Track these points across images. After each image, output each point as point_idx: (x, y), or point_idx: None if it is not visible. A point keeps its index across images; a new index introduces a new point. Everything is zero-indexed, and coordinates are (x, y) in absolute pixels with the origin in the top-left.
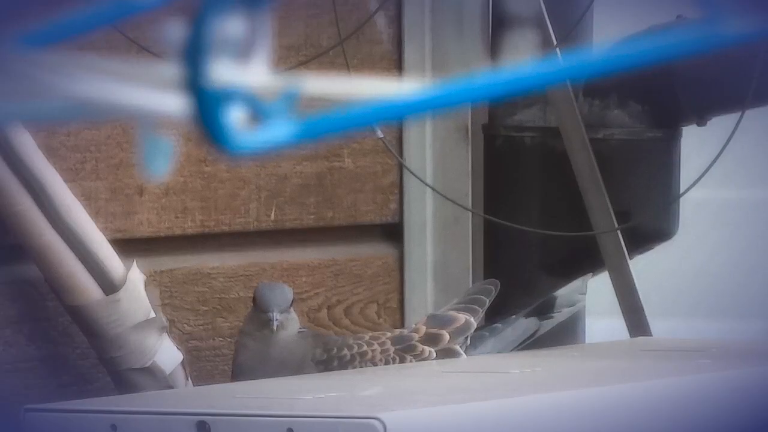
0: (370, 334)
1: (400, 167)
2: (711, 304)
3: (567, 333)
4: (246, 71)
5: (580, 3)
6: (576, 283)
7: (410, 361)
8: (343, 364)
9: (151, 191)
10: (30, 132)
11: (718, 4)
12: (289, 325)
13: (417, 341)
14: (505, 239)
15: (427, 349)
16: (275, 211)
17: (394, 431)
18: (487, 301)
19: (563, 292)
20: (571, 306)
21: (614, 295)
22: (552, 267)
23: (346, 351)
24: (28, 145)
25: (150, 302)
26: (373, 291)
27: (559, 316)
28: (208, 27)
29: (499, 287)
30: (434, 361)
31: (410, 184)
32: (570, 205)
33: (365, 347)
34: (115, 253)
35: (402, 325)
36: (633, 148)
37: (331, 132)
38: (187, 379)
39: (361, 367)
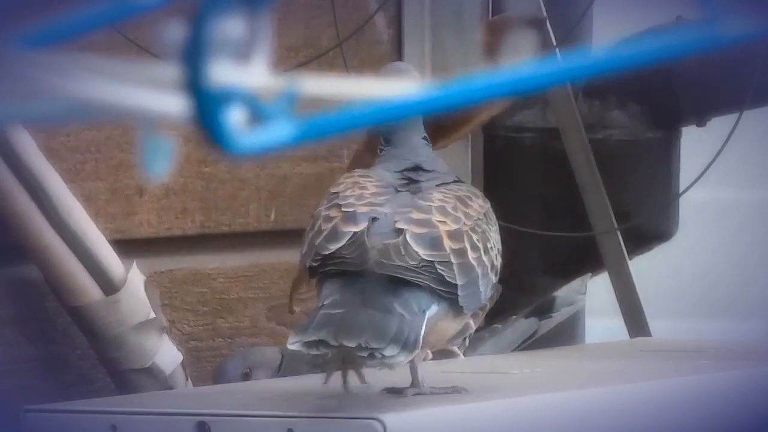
0: None
1: None
2: (711, 304)
3: (567, 333)
4: (246, 72)
5: (580, 3)
6: (575, 284)
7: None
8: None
9: (151, 192)
10: (30, 132)
11: (718, 4)
12: None
13: None
14: (505, 239)
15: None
16: (275, 211)
17: (394, 431)
18: (488, 304)
19: (562, 293)
20: (570, 306)
21: (614, 295)
22: (552, 267)
23: None
24: (28, 146)
25: (150, 303)
26: None
27: (559, 316)
28: (208, 28)
29: (500, 291)
30: (433, 361)
31: None
32: (570, 205)
33: None
34: (114, 254)
35: None
36: (633, 149)
37: (331, 132)
38: (187, 380)
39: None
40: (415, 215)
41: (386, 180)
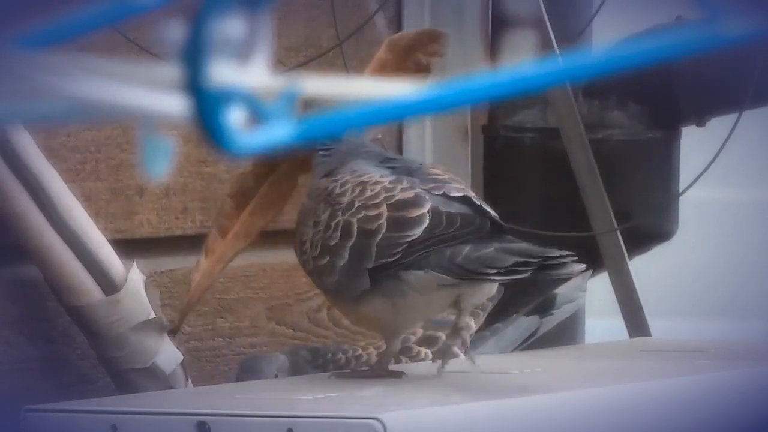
0: (366, 341)
1: None
2: (711, 304)
3: (567, 333)
4: (246, 72)
5: (580, 4)
6: (576, 281)
7: (405, 363)
8: (339, 368)
9: (151, 192)
10: (30, 132)
11: (718, 4)
12: None
13: (413, 343)
14: None
15: (423, 350)
16: None
17: (394, 431)
18: (490, 305)
19: (563, 290)
20: (571, 303)
21: (614, 295)
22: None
23: (341, 355)
24: (29, 146)
25: (150, 303)
26: None
27: (560, 313)
28: (208, 27)
29: (503, 292)
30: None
31: None
32: (570, 205)
33: (360, 351)
34: (115, 254)
35: None
36: (633, 149)
37: (331, 132)
38: (187, 380)
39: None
40: (452, 184)
41: (380, 171)
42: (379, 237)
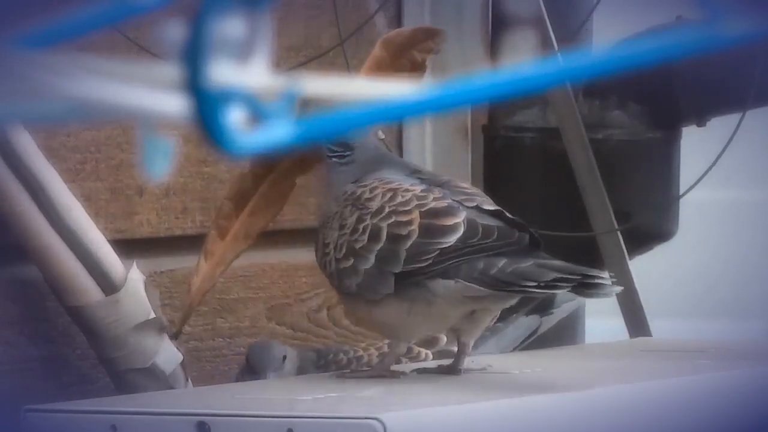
0: (367, 342)
1: None
2: (711, 304)
3: (567, 333)
4: (246, 72)
5: (580, 3)
6: None
7: (405, 363)
8: (340, 369)
9: (151, 192)
10: (30, 132)
11: (718, 4)
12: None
13: (413, 343)
14: None
15: (423, 351)
16: None
17: (394, 431)
18: None
19: None
20: (571, 301)
21: (614, 295)
22: None
23: (342, 356)
24: (29, 146)
25: (150, 303)
26: None
27: (560, 312)
28: (208, 27)
29: None
30: (433, 362)
31: None
32: (570, 205)
33: (361, 352)
34: (114, 254)
35: None
36: (633, 149)
37: (331, 132)
38: (187, 380)
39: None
40: (483, 198)
41: (410, 181)
42: (410, 243)
